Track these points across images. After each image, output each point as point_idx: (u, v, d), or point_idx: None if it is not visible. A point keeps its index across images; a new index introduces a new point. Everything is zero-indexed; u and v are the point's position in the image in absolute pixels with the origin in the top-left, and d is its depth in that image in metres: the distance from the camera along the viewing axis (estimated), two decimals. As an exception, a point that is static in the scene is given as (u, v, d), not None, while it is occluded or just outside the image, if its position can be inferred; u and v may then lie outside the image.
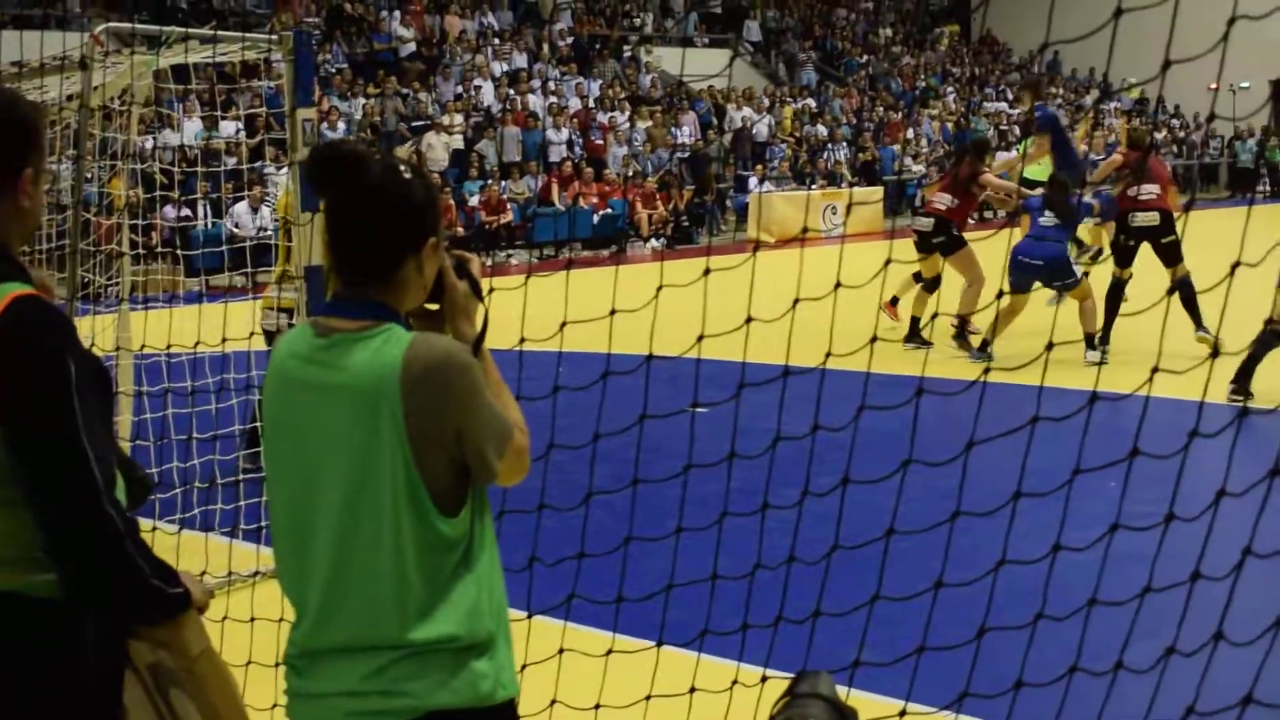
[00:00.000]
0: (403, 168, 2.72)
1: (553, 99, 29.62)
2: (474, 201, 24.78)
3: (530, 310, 3.63)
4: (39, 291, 2.81)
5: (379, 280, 2.67)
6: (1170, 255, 12.03)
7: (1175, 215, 12.15)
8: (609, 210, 26.53)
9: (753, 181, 28.75)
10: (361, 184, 2.64)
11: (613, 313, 3.58)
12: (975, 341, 12.50)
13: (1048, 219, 12.05)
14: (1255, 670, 2.85)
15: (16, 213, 2.80)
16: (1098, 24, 3.16)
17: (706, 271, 3.69)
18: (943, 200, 13.04)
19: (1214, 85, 3.93)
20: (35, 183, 2.82)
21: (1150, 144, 12.87)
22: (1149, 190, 12.07)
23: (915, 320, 13.04)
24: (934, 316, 13.06)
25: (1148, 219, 12.09)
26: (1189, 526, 3.00)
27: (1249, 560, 2.93)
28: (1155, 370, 2.98)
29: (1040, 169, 14.55)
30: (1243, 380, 9.82)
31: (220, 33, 6.69)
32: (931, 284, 13.09)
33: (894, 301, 13.72)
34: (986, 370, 3.38)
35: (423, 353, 2.57)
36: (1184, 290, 11.50)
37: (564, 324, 3.54)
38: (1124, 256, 12.28)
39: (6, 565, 2.73)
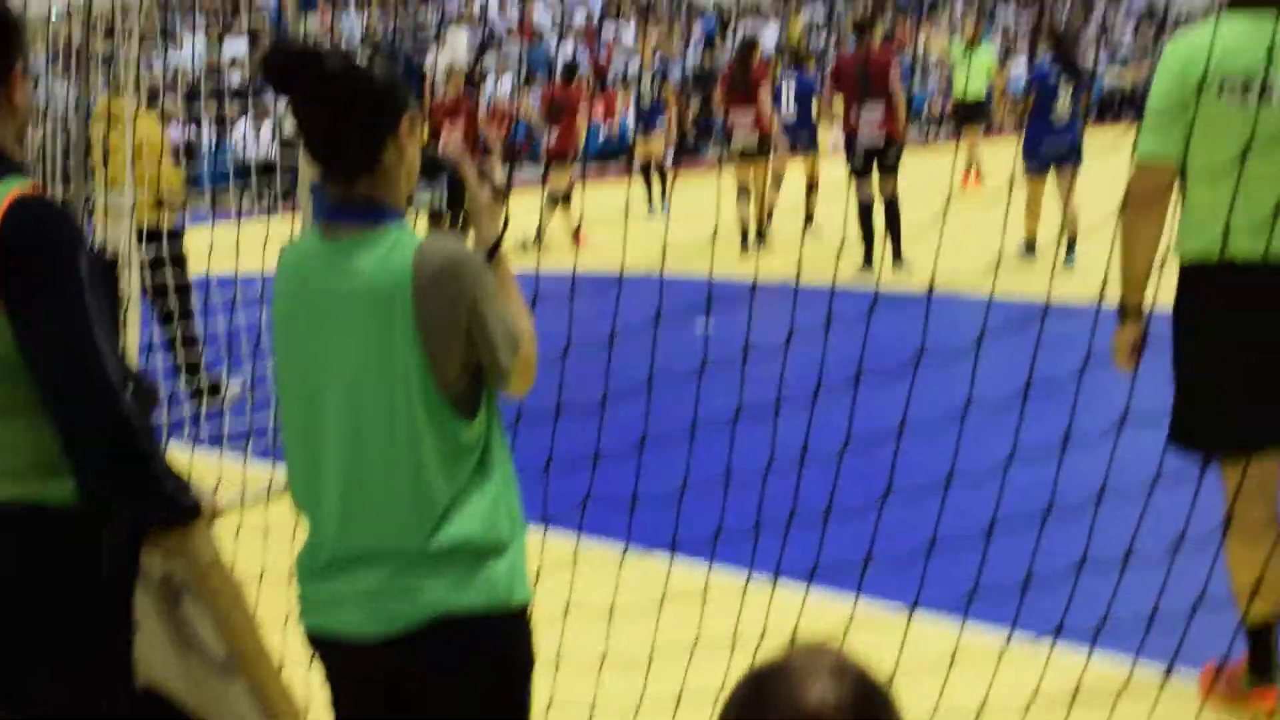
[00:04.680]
0: (359, 53, 2.68)
1: (558, 12, 29.35)
2: (481, 114, 24.63)
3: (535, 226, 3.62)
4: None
5: (366, 172, 2.65)
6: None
7: None
8: (614, 125, 26.32)
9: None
10: (322, 77, 2.59)
11: (626, 212, 3.56)
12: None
13: None
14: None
15: (10, 109, 2.83)
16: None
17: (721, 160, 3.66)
18: None
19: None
20: (24, 78, 2.84)
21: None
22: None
23: None
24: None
25: None
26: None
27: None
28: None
29: None
30: None
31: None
32: None
33: None
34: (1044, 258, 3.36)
35: (434, 255, 2.57)
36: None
37: (578, 227, 3.53)
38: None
39: (16, 476, 2.74)
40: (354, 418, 2.62)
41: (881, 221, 11.86)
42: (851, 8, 36.41)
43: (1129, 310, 3.80)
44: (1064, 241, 11.25)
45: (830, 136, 13.68)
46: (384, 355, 2.58)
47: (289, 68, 2.60)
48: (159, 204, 7.64)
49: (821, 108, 13.11)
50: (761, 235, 13.50)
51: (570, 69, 15.49)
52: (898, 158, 12.00)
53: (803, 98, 14.13)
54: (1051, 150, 11.53)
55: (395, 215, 2.67)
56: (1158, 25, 39.97)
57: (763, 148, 13.50)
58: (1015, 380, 3.20)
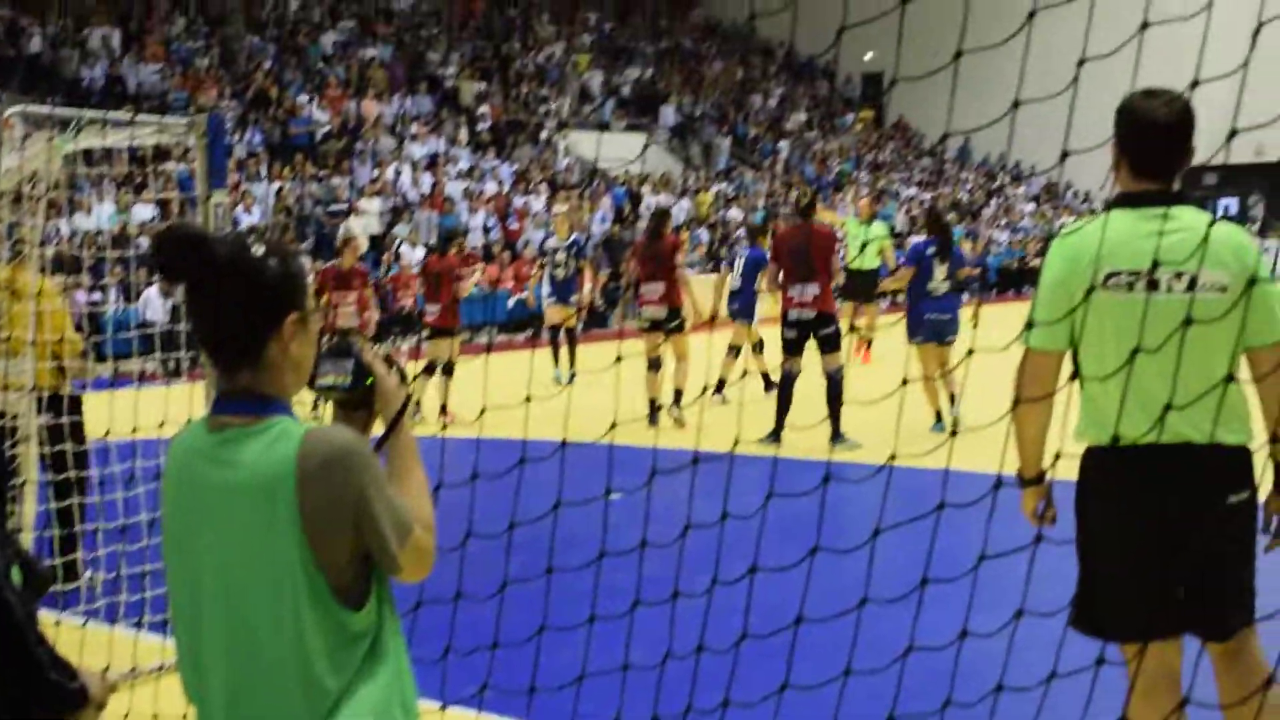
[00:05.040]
0: (254, 243, 2.65)
1: (469, 183, 29.69)
2: (387, 276, 24.70)
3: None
4: None
5: (249, 364, 2.61)
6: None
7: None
8: (529, 295, 26.46)
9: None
10: (209, 265, 2.56)
11: (527, 400, 3.58)
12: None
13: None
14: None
15: None
16: (1009, 111, 3.23)
17: (618, 359, 3.70)
18: None
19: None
20: None
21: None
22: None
23: None
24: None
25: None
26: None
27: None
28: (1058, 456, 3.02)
29: None
30: None
31: (134, 116, 6.64)
32: None
33: None
34: (892, 457, 3.41)
35: (318, 447, 2.52)
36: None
37: (483, 410, 3.55)
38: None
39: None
40: (238, 610, 2.56)
41: (783, 398, 11.69)
42: (760, 180, 37.39)
43: (1027, 481, 3.88)
44: (953, 412, 11.58)
45: (775, 308, 13.84)
46: (267, 547, 2.52)
47: (178, 251, 2.57)
48: (60, 370, 7.55)
49: (766, 280, 13.32)
50: (678, 402, 13.37)
51: (448, 237, 15.34)
52: (836, 333, 11.91)
53: (751, 269, 14.36)
54: (935, 320, 12.08)
55: (280, 407, 2.62)
56: (1056, 204, 41.35)
57: (672, 319, 13.37)
58: (919, 554, 3.20)
